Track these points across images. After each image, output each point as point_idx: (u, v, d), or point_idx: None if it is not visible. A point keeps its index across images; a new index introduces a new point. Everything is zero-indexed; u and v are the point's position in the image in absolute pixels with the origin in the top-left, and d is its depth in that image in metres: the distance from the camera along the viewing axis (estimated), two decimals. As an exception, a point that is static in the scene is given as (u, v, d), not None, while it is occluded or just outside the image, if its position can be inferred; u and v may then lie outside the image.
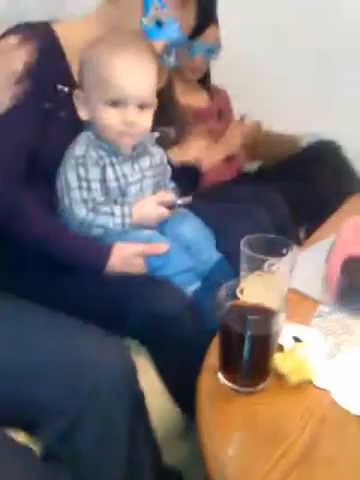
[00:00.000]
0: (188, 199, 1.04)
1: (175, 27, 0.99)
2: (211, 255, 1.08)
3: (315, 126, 1.90)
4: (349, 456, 0.59)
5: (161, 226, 1.06)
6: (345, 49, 1.92)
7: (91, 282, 0.96)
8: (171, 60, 1.08)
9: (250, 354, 0.62)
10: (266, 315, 0.62)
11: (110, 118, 0.91)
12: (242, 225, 1.23)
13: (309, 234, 1.48)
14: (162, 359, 0.96)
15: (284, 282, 0.76)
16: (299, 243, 1.23)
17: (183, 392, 0.95)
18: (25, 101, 0.81)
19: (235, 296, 0.67)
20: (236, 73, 1.97)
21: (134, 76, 0.90)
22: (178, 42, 1.05)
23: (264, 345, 0.63)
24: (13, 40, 0.80)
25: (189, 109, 1.62)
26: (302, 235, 1.57)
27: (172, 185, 1.11)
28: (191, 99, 1.66)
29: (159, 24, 0.97)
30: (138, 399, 0.81)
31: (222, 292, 0.64)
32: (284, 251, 0.78)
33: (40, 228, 0.92)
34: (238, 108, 1.86)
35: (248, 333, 0.61)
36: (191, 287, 1.01)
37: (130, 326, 0.91)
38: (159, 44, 0.99)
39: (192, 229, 1.09)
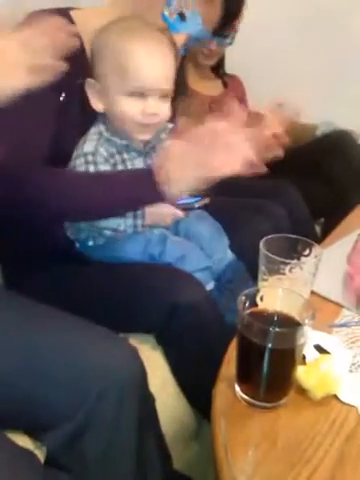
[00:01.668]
0: (206, 200, 0.99)
1: (198, 22, 0.94)
2: (224, 255, 1.05)
3: (330, 115, 1.84)
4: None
5: (175, 225, 1.02)
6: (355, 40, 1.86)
7: (109, 274, 0.93)
8: (181, 50, 1.03)
9: (271, 368, 0.57)
10: (289, 326, 0.57)
11: (130, 110, 0.86)
12: (258, 223, 1.18)
13: (325, 230, 1.42)
14: (177, 355, 0.93)
15: (307, 287, 0.71)
16: (316, 241, 1.18)
17: (196, 390, 0.93)
18: (43, 92, 0.76)
19: (254, 303, 0.62)
20: (249, 59, 1.91)
21: (156, 65, 0.85)
22: (199, 37, 1.00)
23: (287, 358, 0.58)
24: (58, 21, 0.67)
25: (205, 98, 1.57)
26: (318, 231, 1.51)
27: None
28: (204, 87, 1.60)
29: (182, 17, 0.93)
30: (148, 403, 0.78)
31: (241, 299, 0.59)
32: (306, 252, 0.73)
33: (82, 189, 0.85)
34: (249, 95, 1.80)
35: (269, 346, 0.56)
36: (207, 286, 0.99)
37: (151, 317, 0.89)
38: (180, 37, 0.94)
39: (206, 229, 1.06)
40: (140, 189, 0.84)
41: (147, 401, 0.77)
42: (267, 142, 1.50)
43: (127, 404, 0.70)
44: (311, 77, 1.99)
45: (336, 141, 1.62)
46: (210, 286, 1.01)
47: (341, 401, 0.62)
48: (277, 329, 0.55)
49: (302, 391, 0.62)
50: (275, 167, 1.65)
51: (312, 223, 1.44)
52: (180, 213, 0.98)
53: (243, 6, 1.44)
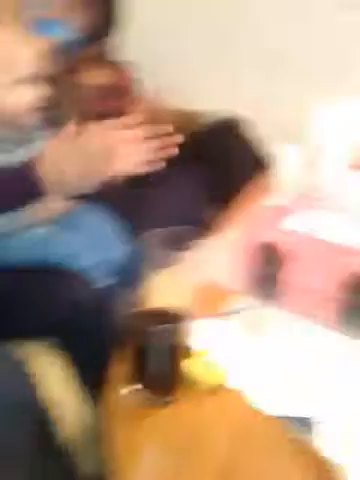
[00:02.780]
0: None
1: (63, 28, 0.92)
2: (120, 249, 1.02)
3: (216, 103, 1.87)
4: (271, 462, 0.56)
5: (65, 220, 0.97)
6: (247, 25, 1.90)
7: None
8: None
9: (157, 365, 0.56)
10: (171, 321, 0.56)
11: None
12: (155, 210, 1.17)
13: (221, 216, 1.44)
14: (74, 357, 0.89)
15: (193, 278, 0.71)
16: (210, 228, 1.19)
17: (98, 390, 0.91)
18: None
19: (139, 300, 0.60)
20: (138, 48, 1.89)
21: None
22: (70, 43, 1.00)
23: (172, 354, 0.57)
24: None
25: (92, 87, 1.51)
26: (213, 218, 1.54)
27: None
28: (90, 76, 1.55)
29: (44, 23, 0.92)
30: (41, 417, 0.73)
31: (123, 299, 0.57)
32: (191, 243, 0.72)
33: None
34: (140, 85, 1.78)
35: (153, 344, 0.54)
36: (103, 282, 0.96)
37: (39, 323, 0.85)
38: (45, 42, 0.89)
39: (99, 221, 1.02)
40: (22, 185, 0.79)
41: (40, 416, 0.72)
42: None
43: (17, 426, 0.65)
44: (204, 63, 2.02)
45: (223, 129, 1.65)
46: (108, 281, 0.98)
47: (229, 388, 0.63)
48: (160, 327, 0.54)
49: (191, 383, 0.61)
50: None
51: (203, 209, 1.46)
52: (68, 205, 0.93)
53: (117, 14, 1.42)
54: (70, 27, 0.98)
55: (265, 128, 1.67)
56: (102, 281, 0.99)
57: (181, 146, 1.70)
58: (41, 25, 0.91)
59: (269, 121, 1.80)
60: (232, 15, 1.91)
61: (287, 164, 1.21)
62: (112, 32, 1.46)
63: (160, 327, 0.53)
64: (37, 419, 0.69)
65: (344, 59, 1.76)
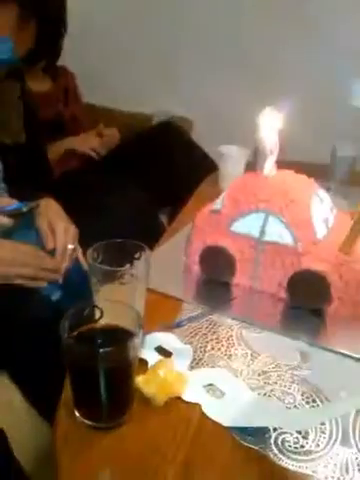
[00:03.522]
0: (33, 204, 0.91)
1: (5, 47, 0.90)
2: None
3: (164, 104, 1.86)
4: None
5: (6, 234, 0.93)
6: (191, 26, 1.90)
7: None
8: None
9: (107, 387, 0.54)
10: (120, 340, 0.54)
11: None
12: (98, 222, 1.15)
13: (172, 219, 1.43)
14: (25, 378, 0.87)
15: (141, 291, 0.69)
16: (163, 230, 1.18)
17: (52, 408, 0.88)
18: None
19: (85, 320, 0.58)
20: (78, 52, 1.85)
21: None
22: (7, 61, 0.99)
23: (122, 374, 0.55)
24: None
25: (33, 95, 1.47)
26: (165, 221, 1.52)
27: (2, 186, 0.98)
28: (31, 84, 1.50)
29: None
30: None
31: (63, 322, 0.54)
32: (137, 255, 0.71)
33: None
34: (81, 88, 1.75)
35: (101, 366, 0.52)
36: (53, 297, 0.93)
37: None
38: None
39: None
40: None
41: None
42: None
43: None
44: (144, 66, 2.00)
45: (170, 131, 1.64)
46: (56, 296, 0.95)
47: (185, 401, 0.61)
48: (105, 349, 0.52)
49: (145, 401, 0.60)
50: (113, 158, 1.63)
51: (156, 214, 1.45)
52: (6, 220, 0.89)
53: (60, 40, 1.49)
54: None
55: (209, 129, 1.68)
56: (52, 295, 0.96)
57: (129, 148, 1.69)
58: None
59: (213, 122, 1.81)
60: (176, 16, 1.91)
61: (232, 164, 1.22)
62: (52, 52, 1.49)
63: (110, 348, 0.51)
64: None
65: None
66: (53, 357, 0.84)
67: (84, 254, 1.03)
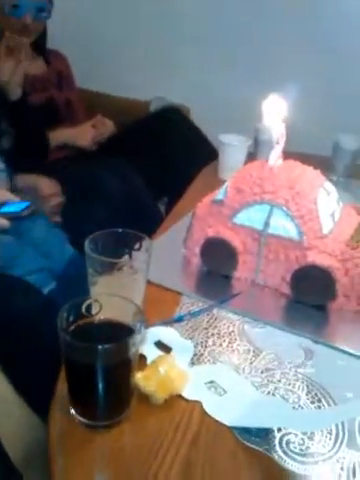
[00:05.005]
0: (32, 208, 0.87)
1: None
2: (63, 252, 0.97)
3: (161, 91, 1.82)
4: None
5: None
6: (189, 13, 1.85)
7: None
8: None
9: (105, 384, 0.51)
10: (119, 336, 0.51)
11: None
12: (95, 210, 1.12)
13: (170, 209, 1.40)
14: (15, 371, 0.84)
15: (140, 283, 0.67)
16: (161, 219, 1.15)
17: (42, 401, 0.86)
18: None
19: (82, 314, 0.55)
20: (74, 37, 1.82)
21: None
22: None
23: (121, 370, 0.52)
24: None
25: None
26: (163, 209, 1.50)
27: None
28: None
29: None
30: None
31: (62, 315, 0.52)
32: (136, 246, 0.68)
33: None
34: (77, 73, 1.71)
35: (99, 363, 0.50)
36: (46, 288, 0.92)
37: None
38: None
39: (39, 227, 0.96)
40: None
41: None
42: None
43: None
44: (142, 52, 1.95)
45: (168, 118, 1.61)
46: (49, 287, 0.93)
47: (186, 399, 0.59)
48: (105, 345, 0.49)
49: (144, 398, 0.57)
50: (110, 146, 1.60)
51: (152, 200, 1.42)
52: (5, 222, 0.86)
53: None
54: None
55: (207, 117, 1.64)
56: (46, 286, 0.94)
57: (126, 135, 1.65)
58: None
59: (211, 110, 1.78)
60: (174, 3, 1.87)
61: (232, 154, 1.19)
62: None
63: (110, 345, 0.49)
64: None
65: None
66: (43, 350, 0.82)
67: (80, 243, 1.01)
